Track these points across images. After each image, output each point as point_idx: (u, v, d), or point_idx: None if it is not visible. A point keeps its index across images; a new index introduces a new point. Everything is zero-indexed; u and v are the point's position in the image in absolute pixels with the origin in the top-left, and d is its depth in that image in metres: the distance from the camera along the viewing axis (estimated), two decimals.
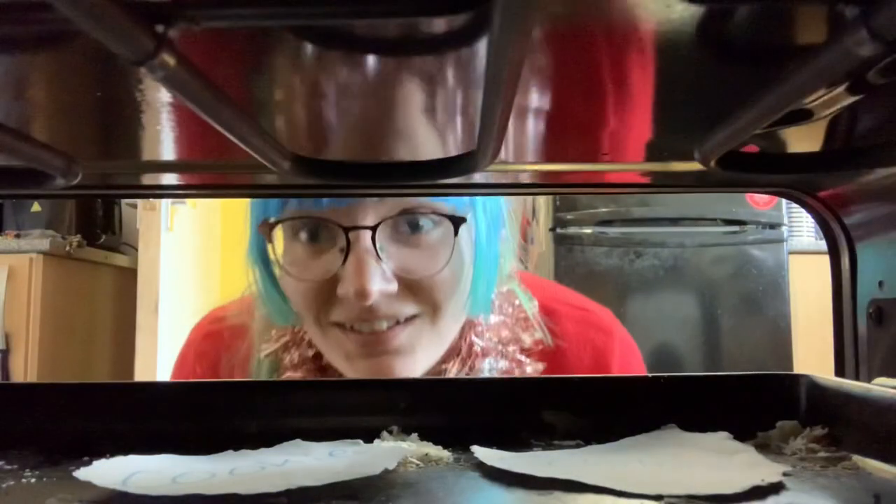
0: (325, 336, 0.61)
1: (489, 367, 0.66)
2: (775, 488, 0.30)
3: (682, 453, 0.35)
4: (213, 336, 0.76)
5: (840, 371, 0.49)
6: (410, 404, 0.43)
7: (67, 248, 2.25)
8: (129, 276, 2.46)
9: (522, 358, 0.68)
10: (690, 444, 0.37)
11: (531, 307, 0.70)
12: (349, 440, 0.40)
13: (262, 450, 0.39)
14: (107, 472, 0.34)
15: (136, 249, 2.40)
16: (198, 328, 0.80)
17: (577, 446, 0.39)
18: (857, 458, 0.35)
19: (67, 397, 0.46)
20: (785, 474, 0.32)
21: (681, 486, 0.29)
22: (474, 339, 0.67)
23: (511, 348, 0.68)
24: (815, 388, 0.43)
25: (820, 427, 0.38)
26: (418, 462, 0.36)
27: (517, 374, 0.66)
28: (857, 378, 0.48)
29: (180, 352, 0.80)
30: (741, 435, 0.38)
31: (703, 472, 0.32)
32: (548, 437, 0.41)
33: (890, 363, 0.45)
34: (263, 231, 0.60)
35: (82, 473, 0.33)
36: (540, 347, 0.69)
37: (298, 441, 0.40)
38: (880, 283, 0.46)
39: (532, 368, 0.67)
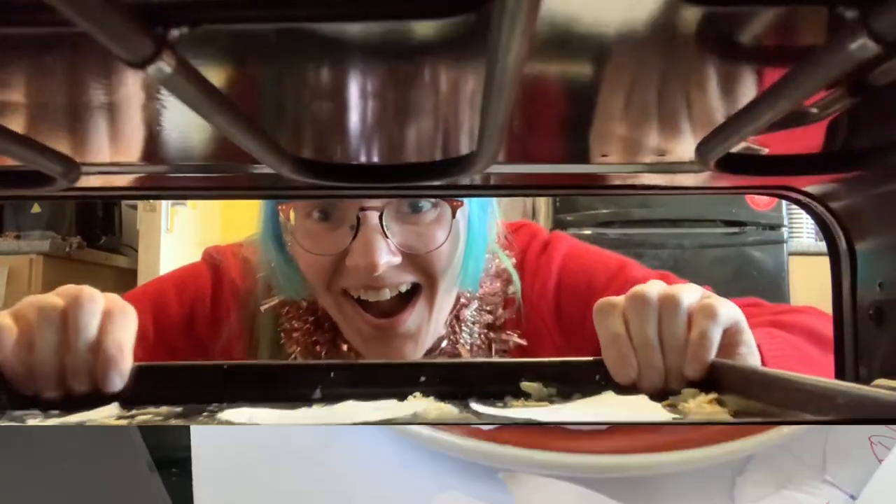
0: (338, 307, 0.69)
1: (469, 341, 0.73)
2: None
3: (616, 406, 0.48)
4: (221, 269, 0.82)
5: (840, 372, 0.49)
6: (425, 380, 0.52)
7: (67, 249, 2.25)
8: (129, 278, 2.45)
9: (495, 335, 0.74)
10: (621, 401, 0.49)
11: (511, 263, 0.77)
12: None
13: None
14: None
15: (137, 251, 2.41)
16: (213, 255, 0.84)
17: (546, 405, 0.49)
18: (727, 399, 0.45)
19: None
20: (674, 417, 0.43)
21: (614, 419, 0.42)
22: (459, 317, 0.74)
23: (492, 333, 0.75)
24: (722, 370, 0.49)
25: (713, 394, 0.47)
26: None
27: (495, 347, 0.74)
28: (856, 379, 0.48)
29: (179, 273, 0.85)
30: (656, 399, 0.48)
31: (627, 415, 0.46)
32: (524, 400, 0.51)
33: (890, 364, 0.45)
34: (284, 210, 0.69)
35: None
36: (513, 297, 0.75)
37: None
38: (880, 285, 0.46)
39: (514, 342, 0.74)
